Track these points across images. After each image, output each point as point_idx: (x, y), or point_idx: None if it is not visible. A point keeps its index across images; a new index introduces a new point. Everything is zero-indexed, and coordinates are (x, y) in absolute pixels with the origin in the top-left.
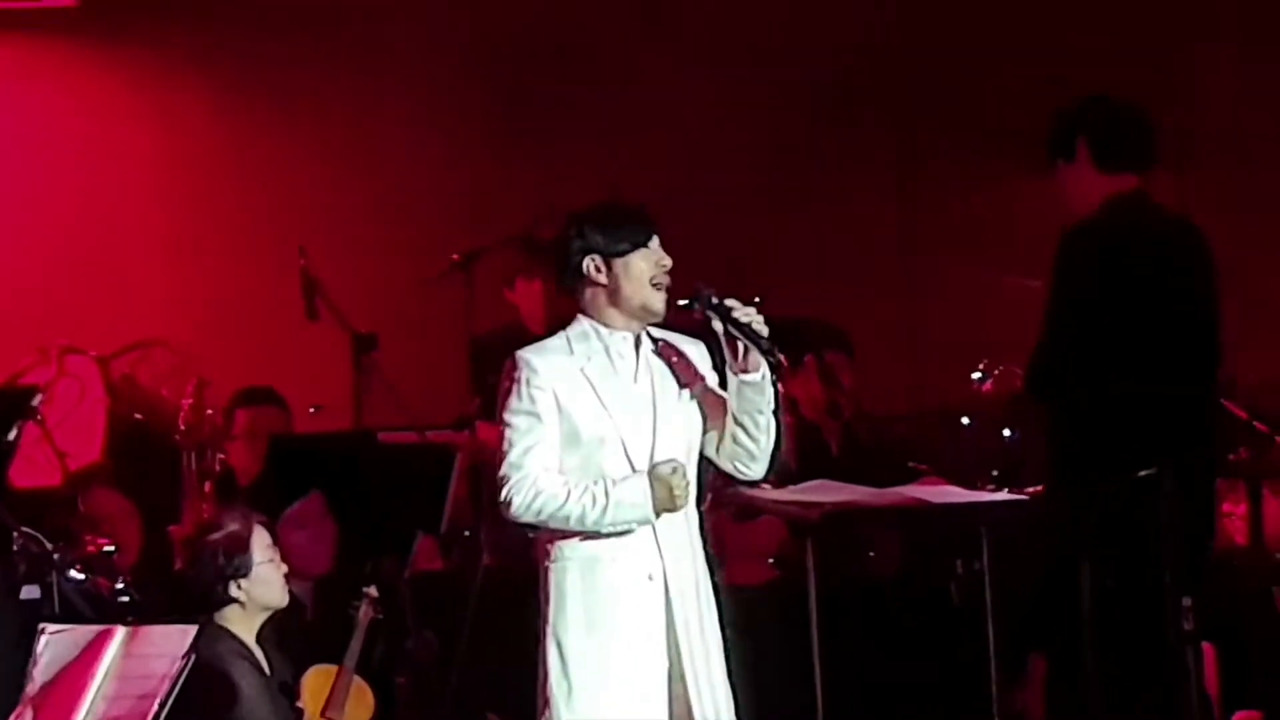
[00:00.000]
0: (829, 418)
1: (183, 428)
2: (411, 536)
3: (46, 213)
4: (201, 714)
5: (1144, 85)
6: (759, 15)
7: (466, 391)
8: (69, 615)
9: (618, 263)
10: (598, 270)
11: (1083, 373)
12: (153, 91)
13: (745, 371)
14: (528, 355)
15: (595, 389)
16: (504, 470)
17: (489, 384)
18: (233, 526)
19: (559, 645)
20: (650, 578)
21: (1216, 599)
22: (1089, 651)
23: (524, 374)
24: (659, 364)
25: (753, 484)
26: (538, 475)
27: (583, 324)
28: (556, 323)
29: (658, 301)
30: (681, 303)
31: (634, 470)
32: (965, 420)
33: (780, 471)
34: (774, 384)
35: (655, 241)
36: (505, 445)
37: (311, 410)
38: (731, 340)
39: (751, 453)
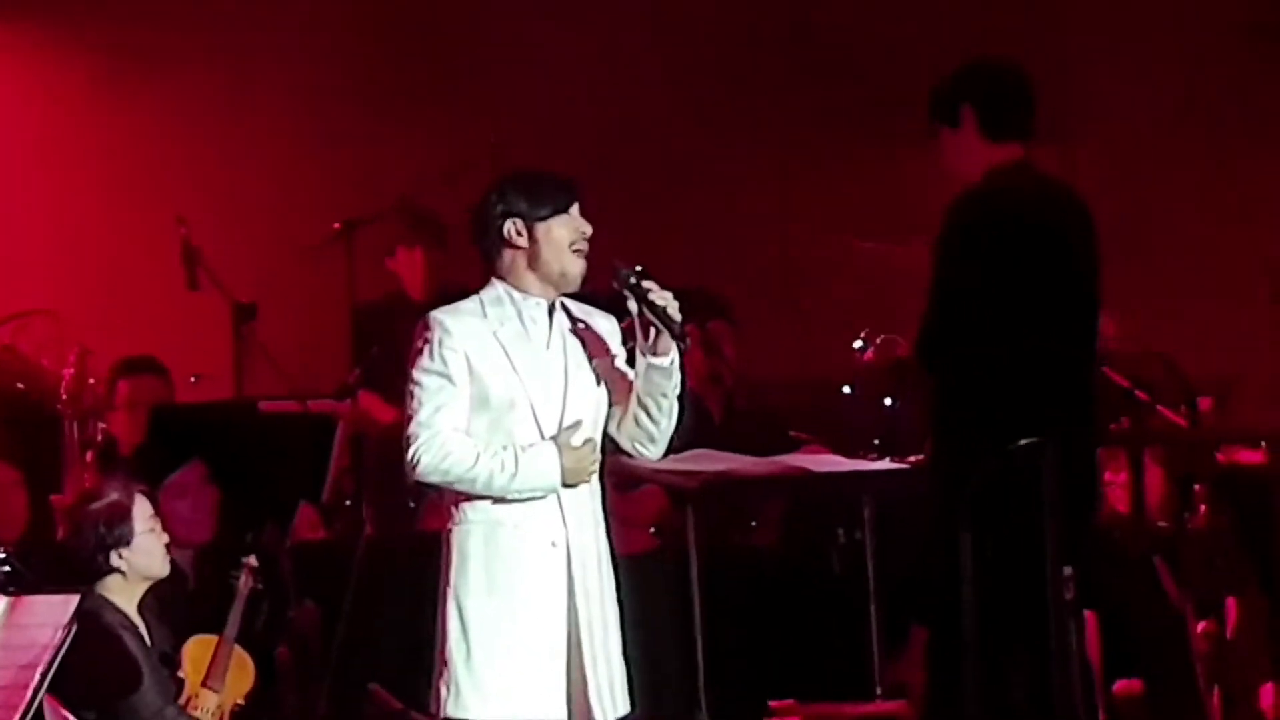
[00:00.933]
0: (711, 386)
1: (64, 397)
2: (293, 506)
3: None
4: (87, 684)
5: (1030, 55)
6: None
7: (348, 361)
8: None
9: (539, 227)
10: (518, 234)
11: (966, 342)
12: (31, 60)
13: (655, 354)
14: (440, 316)
15: (507, 353)
16: (412, 429)
17: (370, 353)
18: (114, 496)
19: (459, 608)
20: (553, 545)
21: (1098, 568)
22: (970, 621)
23: (436, 334)
24: (571, 333)
25: None
26: (447, 436)
27: (497, 288)
28: (438, 291)
29: (576, 268)
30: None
31: (542, 436)
32: (846, 389)
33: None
34: (681, 369)
35: (576, 209)
36: (415, 404)
37: (192, 380)
38: (645, 322)
39: (651, 435)
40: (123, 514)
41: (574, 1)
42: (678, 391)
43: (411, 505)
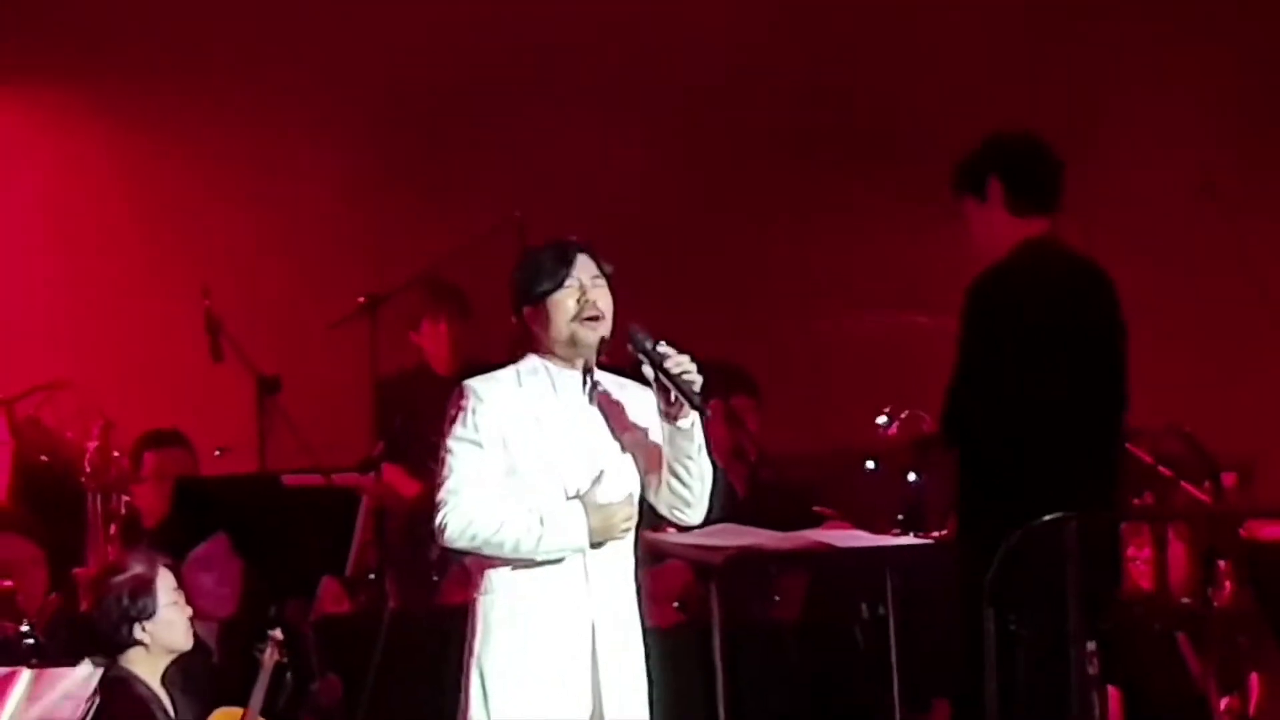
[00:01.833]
0: (734, 460)
1: (88, 470)
2: (316, 579)
3: None
4: None
5: (1053, 131)
6: (666, 61)
7: (371, 434)
8: None
9: (546, 304)
10: (533, 314)
11: (992, 418)
12: (55, 131)
13: (675, 419)
14: (475, 384)
15: (540, 424)
16: (441, 495)
17: (394, 426)
18: (137, 569)
19: (481, 676)
20: (579, 616)
21: (1121, 643)
22: (993, 696)
23: (470, 402)
24: (604, 404)
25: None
26: (474, 501)
27: (532, 360)
28: (461, 365)
29: (585, 333)
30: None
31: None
32: (870, 464)
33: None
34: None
35: (576, 276)
36: (445, 471)
37: (217, 453)
38: (662, 386)
39: (685, 499)
40: (146, 586)
41: (597, 80)
42: (704, 454)
43: (435, 578)
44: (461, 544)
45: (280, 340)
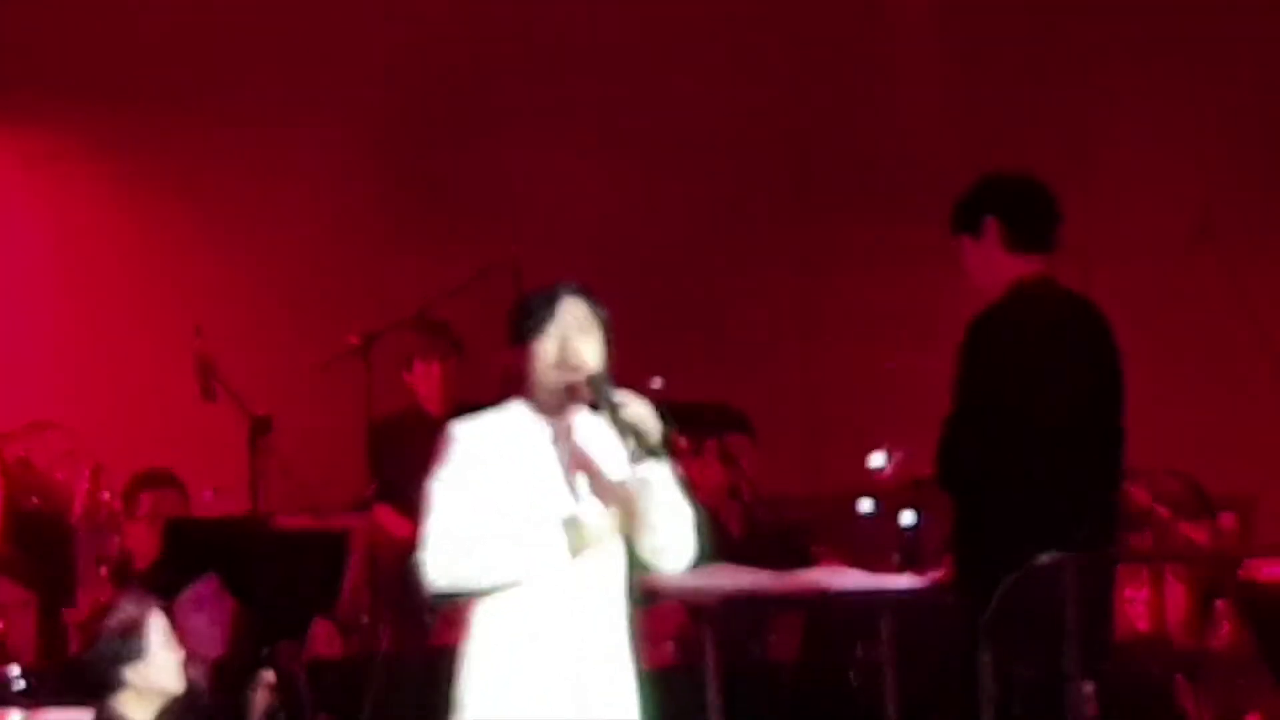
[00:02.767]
0: (729, 500)
1: (79, 512)
2: (308, 620)
3: None
4: None
5: (1050, 174)
6: (663, 102)
7: (364, 475)
8: None
9: (529, 349)
10: (520, 357)
11: (988, 460)
12: (48, 173)
13: (633, 464)
14: (458, 427)
15: (520, 467)
16: (422, 538)
17: (386, 467)
18: (129, 610)
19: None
20: (564, 656)
21: (1119, 685)
22: None
23: (452, 446)
24: (591, 448)
25: None
26: (454, 541)
27: (517, 404)
28: (454, 405)
29: (556, 380)
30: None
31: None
32: (866, 505)
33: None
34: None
35: (559, 323)
36: (427, 515)
37: (213, 492)
38: (621, 433)
39: (656, 545)
40: (138, 629)
41: (594, 120)
42: (672, 502)
43: (427, 620)
44: (444, 583)
45: (272, 381)
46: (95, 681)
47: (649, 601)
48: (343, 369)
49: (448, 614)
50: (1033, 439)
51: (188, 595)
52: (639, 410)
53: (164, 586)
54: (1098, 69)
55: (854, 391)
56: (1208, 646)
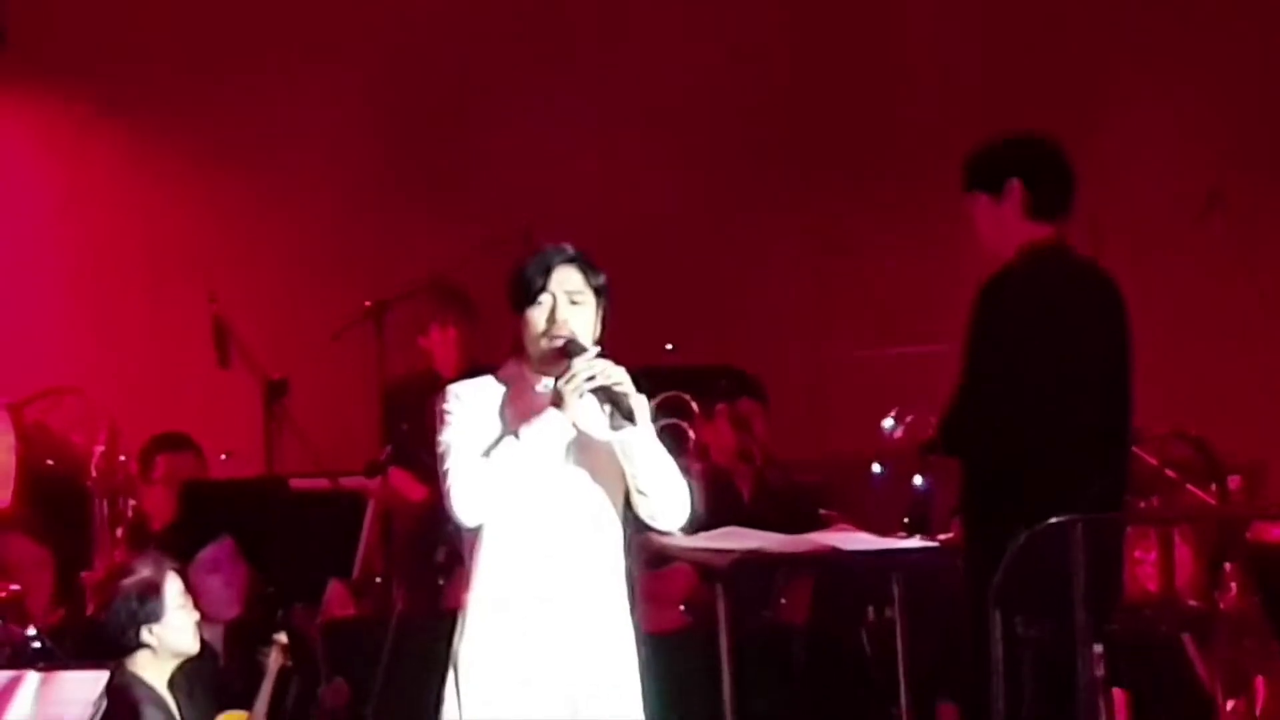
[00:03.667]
0: (741, 464)
1: (95, 474)
2: (323, 583)
3: None
4: None
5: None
6: (674, 75)
7: (378, 438)
8: None
9: (523, 318)
10: (516, 323)
11: (998, 422)
12: (64, 139)
13: (613, 428)
14: (455, 387)
15: (515, 422)
16: (444, 480)
17: (401, 431)
18: (145, 572)
19: (455, 673)
20: (557, 613)
21: (1128, 646)
22: (999, 699)
23: (451, 404)
24: (584, 407)
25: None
26: (473, 467)
27: (511, 367)
28: (469, 369)
29: (548, 349)
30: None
31: (544, 512)
32: (876, 467)
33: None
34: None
35: (551, 292)
36: (443, 465)
37: (223, 457)
38: (597, 397)
39: (649, 506)
40: (154, 590)
41: (605, 91)
42: (655, 465)
43: (441, 582)
44: (471, 501)
45: (287, 345)
46: (111, 642)
47: (659, 564)
48: (357, 334)
49: (461, 576)
50: (1043, 402)
51: (203, 557)
52: (613, 373)
53: (179, 549)
54: (1107, 40)
55: (864, 356)
56: (1216, 608)
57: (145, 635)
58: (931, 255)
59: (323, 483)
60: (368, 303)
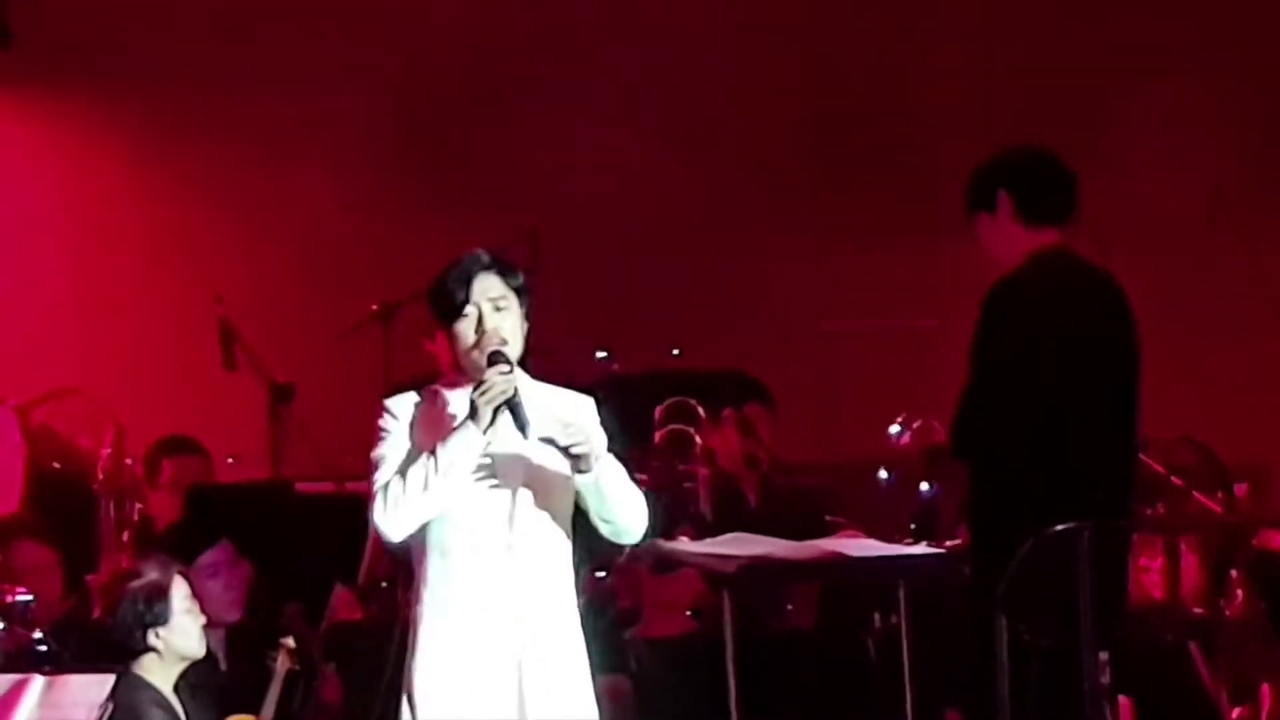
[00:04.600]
0: (747, 469)
1: (101, 477)
2: (329, 586)
3: None
4: None
5: (1064, 144)
6: (681, 73)
7: None
8: None
9: (449, 332)
10: (441, 336)
11: (1005, 429)
12: (72, 139)
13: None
14: (390, 403)
15: (430, 441)
16: (371, 499)
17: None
18: (152, 575)
19: (410, 683)
20: (504, 618)
21: (1134, 653)
22: (1005, 706)
23: (385, 420)
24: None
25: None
26: (390, 481)
27: (443, 380)
28: None
29: (480, 361)
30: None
31: (488, 521)
32: (883, 473)
33: (697, 523)
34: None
35: (476, 303)
36: (370, 482)
37: (230, 460)
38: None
39: (608, 528)
40: (161, 593)
41: (612, 91)
42: (617, 493)
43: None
44: (389, 520)
45: (294, 348)
46: (118, 645)
47: (666, 570)
48: (364, 336)
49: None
50: (1049, 408)
51: (203, 562)
52: (498, 380)
53: (180, 551)
54: (1116, 46)
55: (872, 361)
56: (1222, 615)
57: (151, 638)
58: (943, 263)
59: (329, 486)
60: (375, 305)
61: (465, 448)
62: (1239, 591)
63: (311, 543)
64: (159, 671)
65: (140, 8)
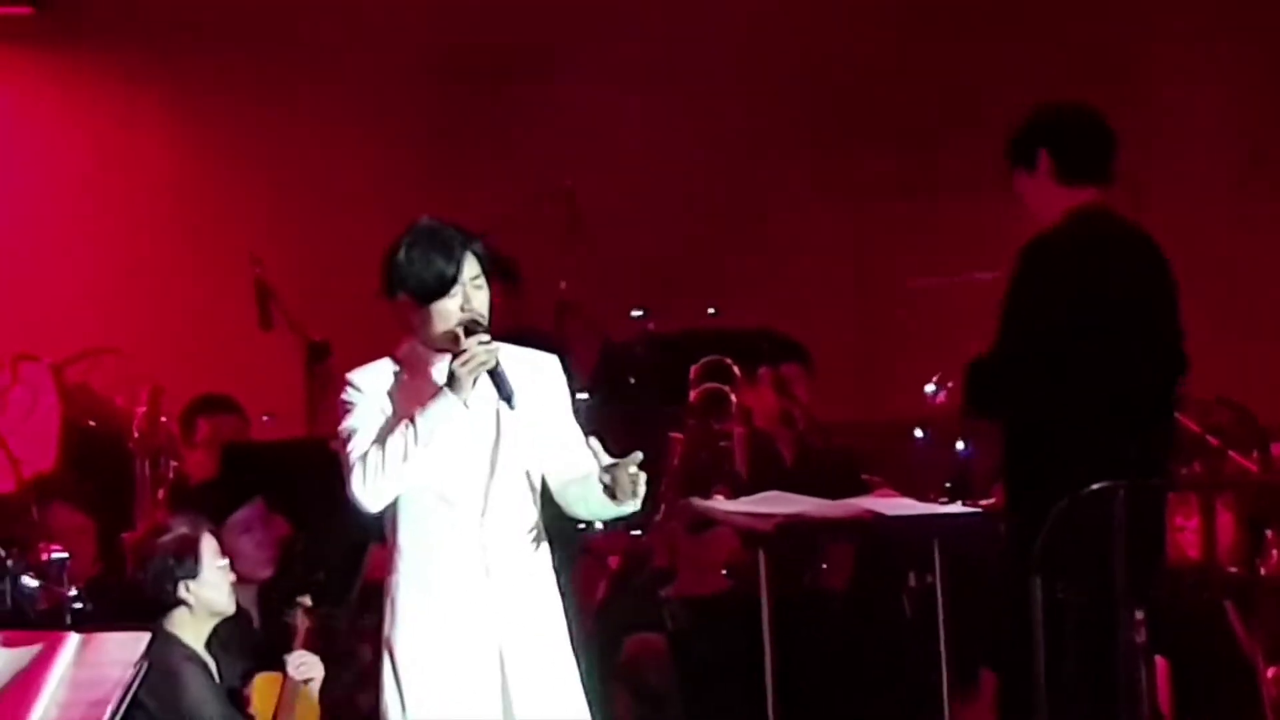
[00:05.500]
0: (783, 428)
1: (136, 435)
2: (364, 545)
3: None
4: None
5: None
6: (717, 33)
7: None
8: (21, 621)
9: (430, 309)
10: (409, 307)
11: (1040, 386)
12: (107, 100)
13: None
14: (353, 376)
15: (408, 410)
16: (345, 470)
17: None
18: (182, 529)
19: (394, 664)
20: (482, 611)
21: (1169, 612)
22: (1040, 665)
23: (350, 394)
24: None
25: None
26: (362, 449)
27: (411, 348)
28: (510, 332)
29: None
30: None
31: (462, 491)
32: (918, 433)
33: (732, 482)
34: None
35: (460, 285)
36: (342, 453)
37: (265, 418)
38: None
39: (570, 500)
40: (191, 547)
41: (648, 50)
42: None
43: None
44: (367, 491)
45: (329, 306)
46: (148, 598)
47: (701, 529)
48: None
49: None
50: (1084, 366)
51: (235, 519)
52: (478, 351)
53: (215, 509)
54: (1159, 5)
55: (908, 319)
56: (1257, 574)
57: (182, 591)
58: (976, 208)
59: None
60: None
61: (445, 417)
62: (1275, 551)
63: (347, 501)
64: (191, 628)
65: None
